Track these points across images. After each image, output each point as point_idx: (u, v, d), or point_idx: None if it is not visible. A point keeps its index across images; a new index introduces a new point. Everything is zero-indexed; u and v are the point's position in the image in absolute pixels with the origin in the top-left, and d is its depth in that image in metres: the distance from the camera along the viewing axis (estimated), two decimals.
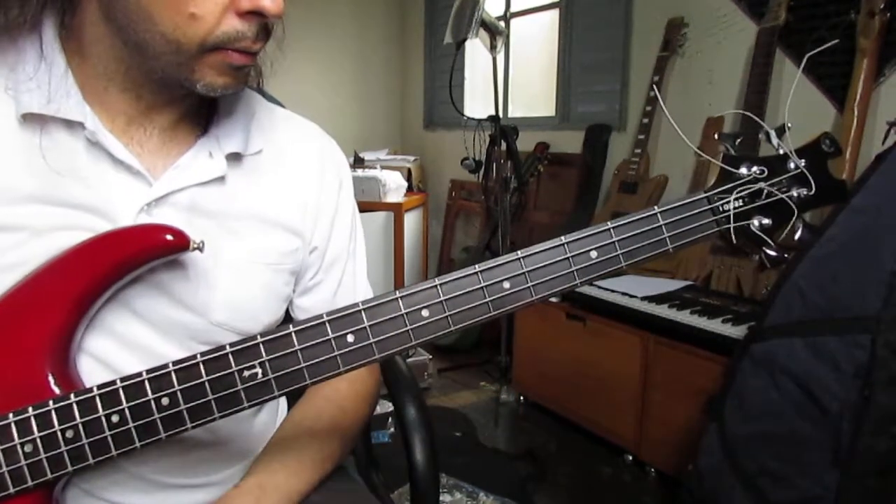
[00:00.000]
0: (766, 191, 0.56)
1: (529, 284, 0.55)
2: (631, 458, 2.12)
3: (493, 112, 2.69)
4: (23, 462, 0.55)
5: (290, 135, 0.75)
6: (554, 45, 3.20)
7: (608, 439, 2.20)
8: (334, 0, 3.93)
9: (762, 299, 1.94)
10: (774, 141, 0.57)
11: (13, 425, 0.55)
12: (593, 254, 0.56)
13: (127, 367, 0.61)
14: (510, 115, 3.51)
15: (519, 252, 0.55)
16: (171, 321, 0.64)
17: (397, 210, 3.24)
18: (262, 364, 0.56)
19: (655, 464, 2.04)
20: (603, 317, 2.17)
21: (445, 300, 0.55)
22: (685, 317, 1.91)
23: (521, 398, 2.61)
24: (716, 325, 1.82)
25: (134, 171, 0.62)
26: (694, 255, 2.28)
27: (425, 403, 0.94)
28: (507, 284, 0.55)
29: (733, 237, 0.56)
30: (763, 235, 0.56)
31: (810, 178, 0.56)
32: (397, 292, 0.56)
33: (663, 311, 1.97)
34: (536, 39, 3.40)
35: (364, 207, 3.21)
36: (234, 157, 0.67)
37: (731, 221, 0.56)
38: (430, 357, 2.77)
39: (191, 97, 0.65)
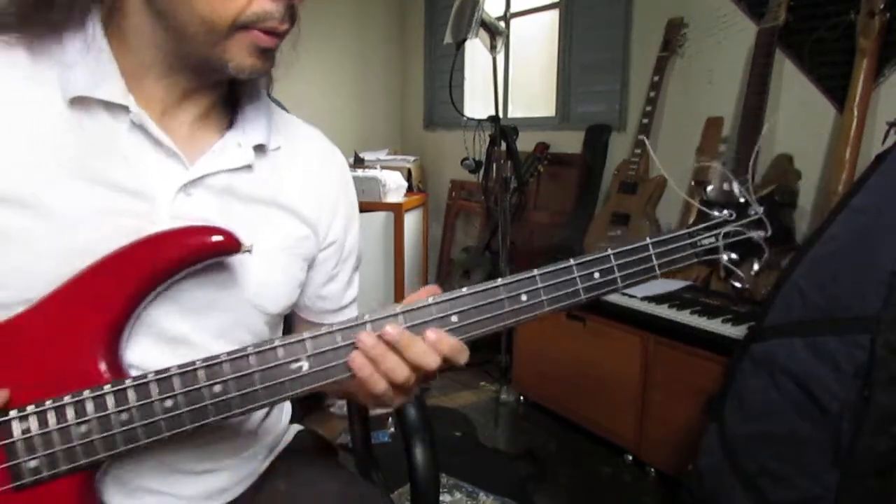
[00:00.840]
0: (733, 230, 0.67)
1: (543, 298, 0.63)
2: (631, 458, 2.12)
3: (493, 112, 2.69)
4: (76, 442, 0.58)
5: (302, 136, 0.80)
6: (554, 45, 3.20)
7: (608, 439, 2.20)
8: (334, 0, 3.93)
9: (762, 299, 1.94)
10: (737, 191, 0.67)
11: (70, 406, 0.58)
12: (596, 275, 0.64)
13: (163, 358, 0.64)
14: (510, 115, 3.51)
15: (535, 270, 0.63)
16: (207, 297, 0.67)
17: (397, 210, 3.24)
18: (308, 358, 0.60)
19: (655, 464, 2.05)
20: (603, 317, 2.17)
21: (473, 308, 0.62)
22: (685, 317, 1.91)
23: (521, 398, 2.61)
24: (716, 325, 1.82)
25: (171, 153, 0.66)
26: None
27: (425, 403, 0.94)
28: (524, 297, 0.62)
29: (723, 268, 0.68)
30: (732, 267, 0.67)
31: (766, 223, 0.67)
32: (430, 299, 0.62)
33: (663, 311, 1.97)
34: (536, 39, 3.40)
35: (364, 207, 3.20)
36: (259, 149, 0.72)
37: (721, 251, 0.68)
38: None
39: (220, 87, 0.70)
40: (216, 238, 0.62)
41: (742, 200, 0.67)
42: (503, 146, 2.69)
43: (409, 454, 0.88)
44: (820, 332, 1.37)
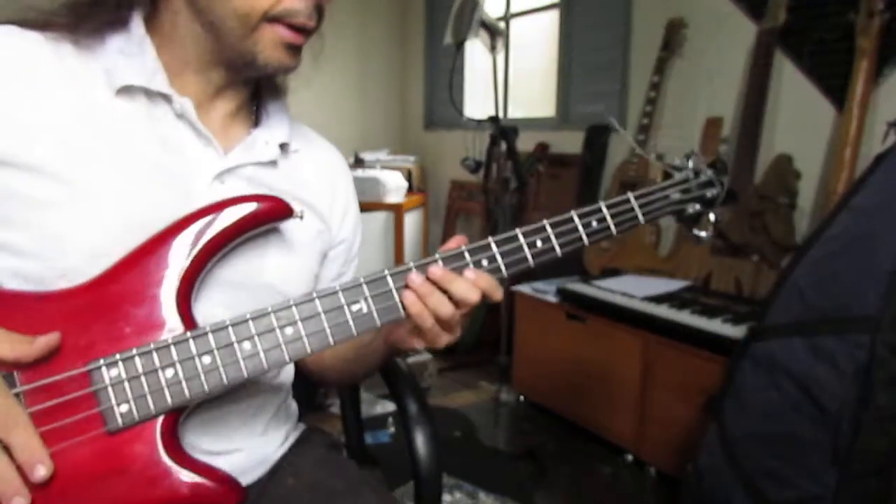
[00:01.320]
0: (693, 187, 0.83)
1: (554, 243, 0.72)
2: (631, 457, 2.12)
3: (493, 112, 2.69)
4: (164, 385, 0.62)
5: (316, 145, 0.87)
6: (554, 46, 3.20)
7: (608, 439, 2.20)
8: (334, 1, 3.92)
9: (762, 299, 1.94)
10: (690, 163, 0.84)
11: (154, 353, 0.62)
12: (594, 223, 0.75)
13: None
14: (510, 115, 3.51)
15: (545, 220, 0.72)
16: (229, 280, 0.71)
17: (397, 210, 3.24)
18: (365, 299, 0.67)
19: (655, 464, 2.05)
20: (603, 317, 2.17)
21: (501, 252, 0.71)
22: (685, 317, 1.91)
23: (521, 398, 2.61)
24: (715, 326, 1.82)
25: (209, 142, 0.72)
26: (693, 255, 2.28)
27: (425, 397, 0.95)
28: (539, 243, 0.72)
29: (690, 212, 0.84)
30: (693, 216, 0.83)
31: (717, 182, 0.84)
32: (463, 247, 0.69)
33: (663, 311, 1.97)
34: (536, 39, 3.40)
35: (364, 207, 3.18)
36: (283, 148, 0.78)
37: (687, 203, 0.83)
38: (431, 357, 2.77)
39: (249, 86, 0.76)
40: (273, 204, 0.68)
41: (693, 167, 0.85)
42: (503, 146, 2.69)
43: (410, 444, 0.89)
44: (820, 331, 1.37)
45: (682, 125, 2.54)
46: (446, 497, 1.91)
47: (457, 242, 0.70)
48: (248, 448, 0.79)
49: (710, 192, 0.83)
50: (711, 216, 0.84)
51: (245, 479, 0.78)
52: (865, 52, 1.90)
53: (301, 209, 0.71)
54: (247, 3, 0.66)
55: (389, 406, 2.41)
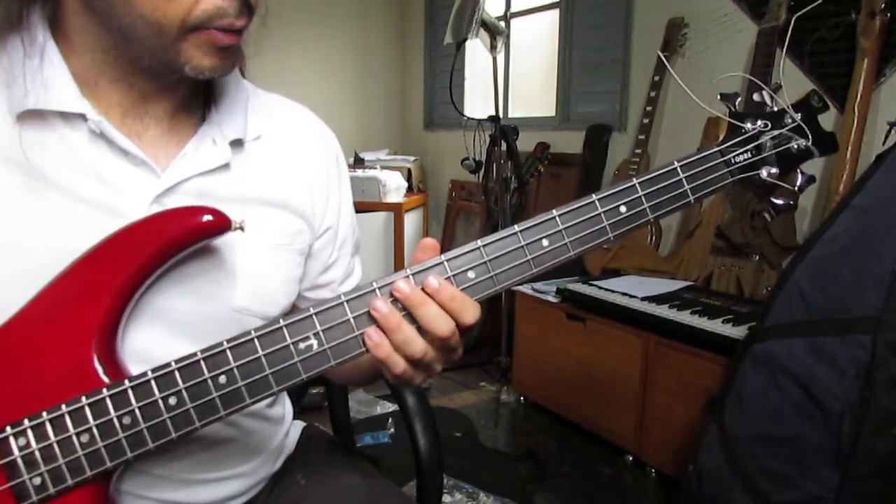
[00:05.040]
0: (769, 142, 0.60)
1: (566, 241, 0.58)
2: (631, 458, 2.12)
3: (493, 112, 2.69)
4: (80, 452, 0.55)
5: (286, 118, 0.75)
6: (554, 45, 3.20)
7: (608, 439, 2.20)
8: (334, 1, 3.93)
9: (763, 299, 1.94)
10: (767, 98, 0.61)
11: (67, 416, 0.55)
12: (623, 209, 0.58)
13: (174, 343, 0.61)
14: (510, 115, 3.51)
15: (554, 210, 0.57)
16: (194, 314, 0.63)
17: (397, 210, 3.24)
18: (316, 335, 0.56)
19: (655, 464, 2.04)
20: (603, 317, 2.17)
21: (489, 260, 0.57)
22: (686, 317, 1.90)
23: (522, 398, 2.61)
24: (716, 326, 1.82)
25: (139, 161, 0.61)
26: (694, 255, 2.28)
27: (424, 393, 0.95)
28: (545, 242, 0.57)
29: (765, 185, 0.61)
30: (774, 181, 0.61)
31: (807, 129, 0.60)
32: (442, 257, 0.56)
33: (664, 311, 1.96)
34: (536, 39, 3.40)
35: (364, 207, 3.23)
36: (236, 144, 0.67)
37: (761, 165, 0.60)
38: None
39: (185, 85, 0.64)
40: (205, 218, 0.58)
41: (776, 109, 0.61)
42: (503, 146, 2.69)
43: (412, 435, 0.89)
44: (821, 332, 1.37)
45: (682, 125, 2.54)
46: (446, 498, 1.90)
47: (427, 248, 0.57)
48: (246, 472, 0.74)
49: (796, 145, 0.60)
50: (799, 178, 0.61)
51: (249, 495, 0.75)
52: (866, 52, 1.89)
53: (241, 220, 0.59)
54: (155, 8, 0.54)
55: (389, 406, 2.40)
